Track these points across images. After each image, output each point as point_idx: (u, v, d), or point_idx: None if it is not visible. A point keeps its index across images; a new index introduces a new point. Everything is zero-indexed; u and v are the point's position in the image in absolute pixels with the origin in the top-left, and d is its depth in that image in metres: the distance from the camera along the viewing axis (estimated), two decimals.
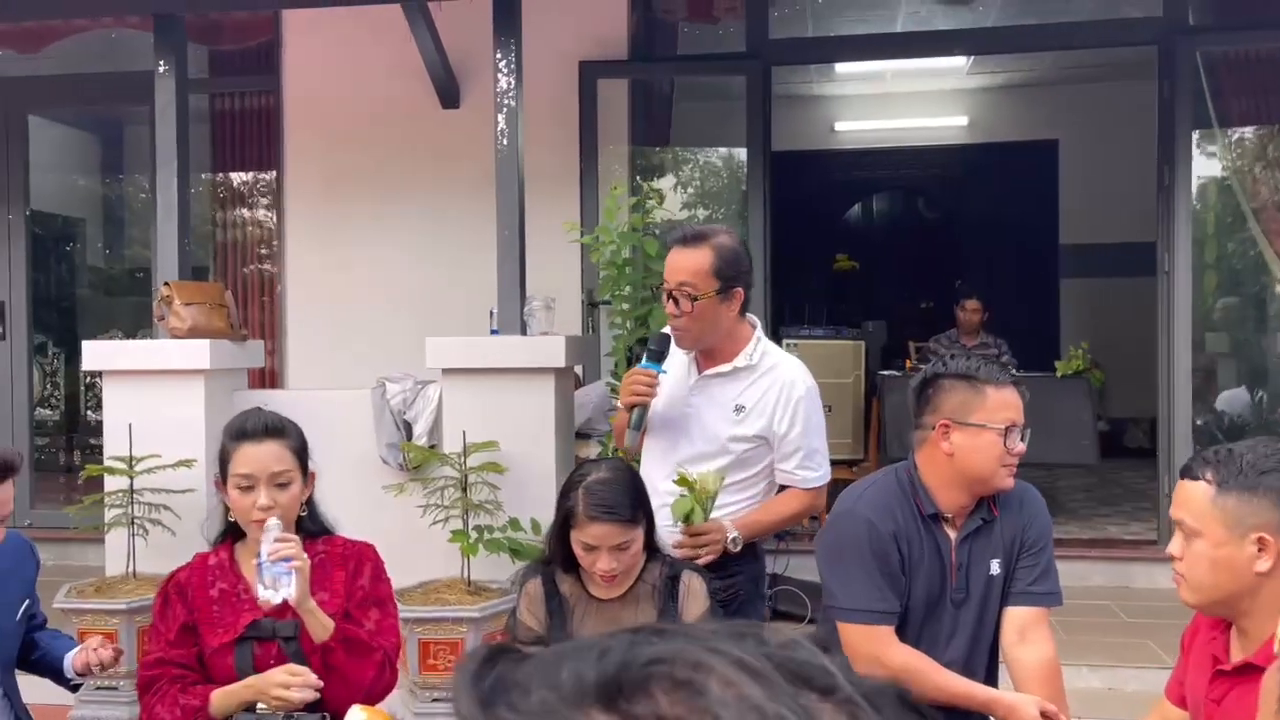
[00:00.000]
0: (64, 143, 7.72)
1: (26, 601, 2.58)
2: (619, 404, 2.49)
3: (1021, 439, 2.22)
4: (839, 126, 9.40)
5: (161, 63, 4.54)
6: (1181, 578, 1.84)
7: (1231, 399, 5.67)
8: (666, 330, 2.54)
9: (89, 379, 7.19)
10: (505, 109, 4.28)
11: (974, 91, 9.17)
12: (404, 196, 5.89)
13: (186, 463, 4.19)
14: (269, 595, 2.06)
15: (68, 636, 2.77)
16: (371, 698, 2.16)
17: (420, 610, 3.59)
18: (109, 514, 4.23)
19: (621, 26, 5.66)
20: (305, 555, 2.11)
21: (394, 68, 5.74)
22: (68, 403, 7.32)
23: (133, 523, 4.15)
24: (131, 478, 4.17)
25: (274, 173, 6.17)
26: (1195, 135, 5.08)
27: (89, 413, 7.21)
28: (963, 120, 9.34)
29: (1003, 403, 2.21)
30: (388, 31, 5.44)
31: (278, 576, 2.04)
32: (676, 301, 2.46)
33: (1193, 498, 1.81)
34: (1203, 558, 1.78)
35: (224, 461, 2.22)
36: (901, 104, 9.14)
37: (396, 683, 2.30)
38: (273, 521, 2.10)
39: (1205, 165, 5.38)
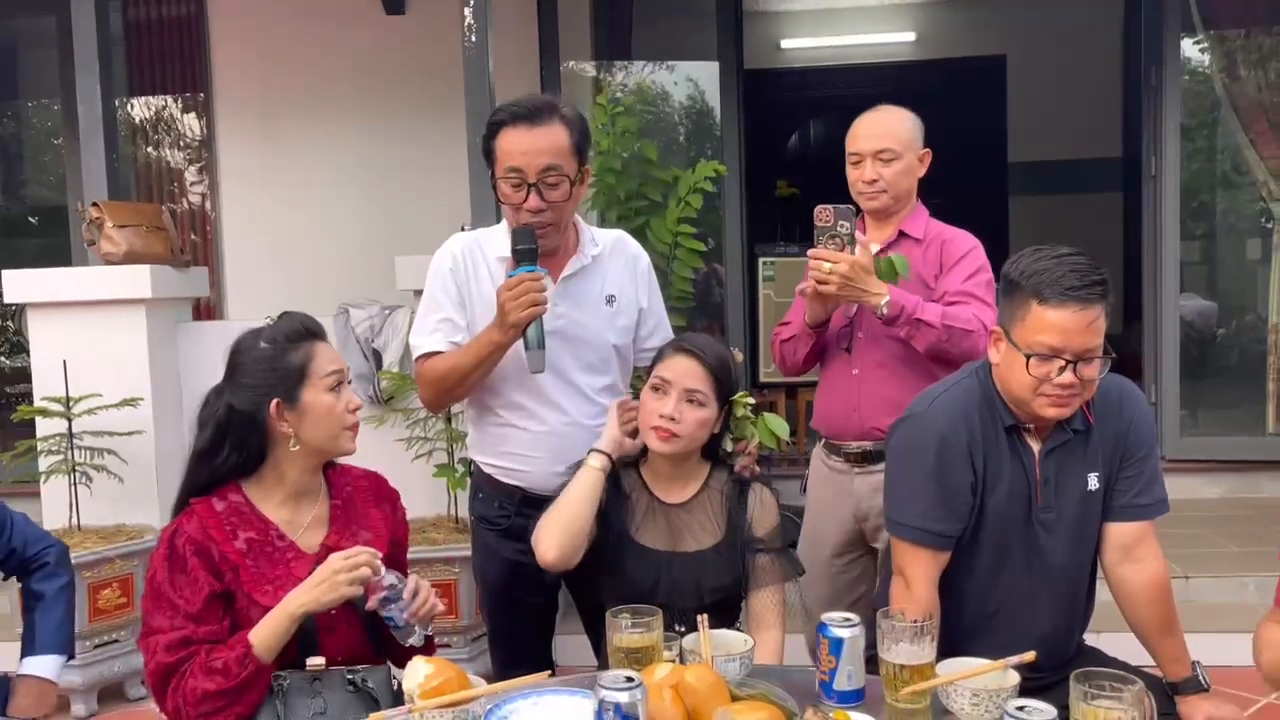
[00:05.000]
0: None
1: None
2: (507, 322, 2.00)
3: (1072, 370, 1.83)
4: (785, 44, 9.10)
5: None
6: None
7: (1190, 306, 5.59)
8: (523, 225, 2.07)
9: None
10: (472, 2, 3.87)
11: (921, 5, 8.95)
12: (347, 112, 5.45)
13: (132, 401, 3.79)
14: (420, 637, 1.82)
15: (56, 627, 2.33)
16: None
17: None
18: (44, 462, 3.80)
19: None
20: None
21: None
22: None
23: (74, 470, 3.75)
24: (69, 419, 3.76)
25: (201, 94, 5.65)
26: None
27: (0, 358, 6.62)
28: (910, 36, 9.12)
29: (1046, 325, 1.83)
30: None
31: (402, 612, 1.81)
32: (539, 192, 2.05)
33: None
34: None
35: (295, 370, 1.82)
36: (849, 20, 8.88)
37: None
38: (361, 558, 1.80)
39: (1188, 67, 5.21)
